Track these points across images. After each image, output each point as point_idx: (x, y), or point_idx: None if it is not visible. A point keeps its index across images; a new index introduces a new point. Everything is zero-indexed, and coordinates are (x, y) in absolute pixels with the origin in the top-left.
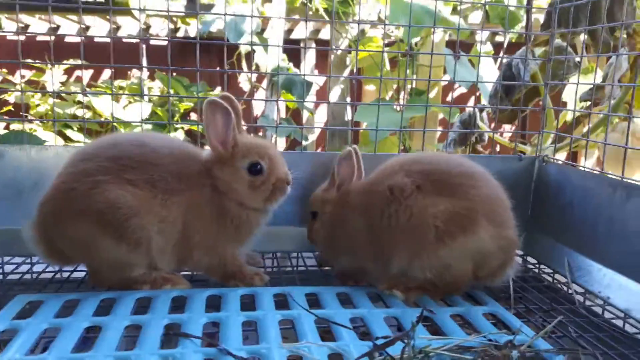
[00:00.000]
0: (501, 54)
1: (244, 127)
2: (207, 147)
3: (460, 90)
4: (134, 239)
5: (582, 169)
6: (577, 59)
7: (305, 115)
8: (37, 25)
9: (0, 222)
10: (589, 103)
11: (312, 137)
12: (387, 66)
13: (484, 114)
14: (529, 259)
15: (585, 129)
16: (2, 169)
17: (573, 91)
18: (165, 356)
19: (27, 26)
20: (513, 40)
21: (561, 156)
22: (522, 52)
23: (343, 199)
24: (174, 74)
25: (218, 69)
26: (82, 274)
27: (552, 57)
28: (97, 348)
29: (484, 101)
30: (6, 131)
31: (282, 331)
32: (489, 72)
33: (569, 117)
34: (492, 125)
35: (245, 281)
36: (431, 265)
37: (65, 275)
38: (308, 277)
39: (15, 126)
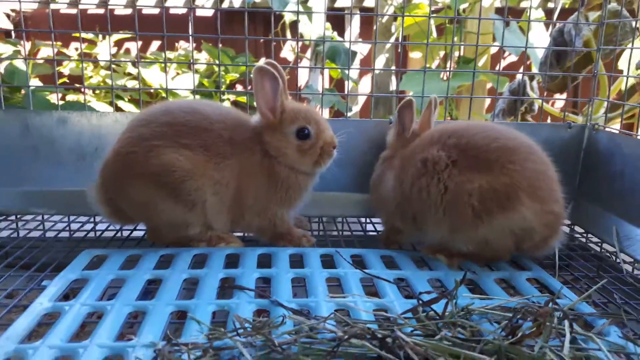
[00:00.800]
0: (553, 19)
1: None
2: (256, 114)
3: (510, 58)
4: (189, 200)
5: (633, 137)
6: (634, 24)
7: (349, 85)
8: None
9: (65, 184)
10: None
11: (356, 108)
12: (434, 34)
13: (534, 83)
14: (576, 228)
15: None
16: (65, 134)
17: (629, 58)
18: (222, 306)
19: None
20: (566, 6)
21: (614, 126)
22: (575, 17)
23: (392, 151)
24: (220, 45)
25: (266, 37)
26: (142, 233)
27: (605, 21)
28: (158, 297)
29: (535, 70)
30: (62, 102)
31: (329, 288)
32: (540, 39)
33: (623, 85)
34: (544, 95)
35: (294, 242)
36: (470, 240)
37: (126, 233)
38: (353, 241)
39: (70, 97)
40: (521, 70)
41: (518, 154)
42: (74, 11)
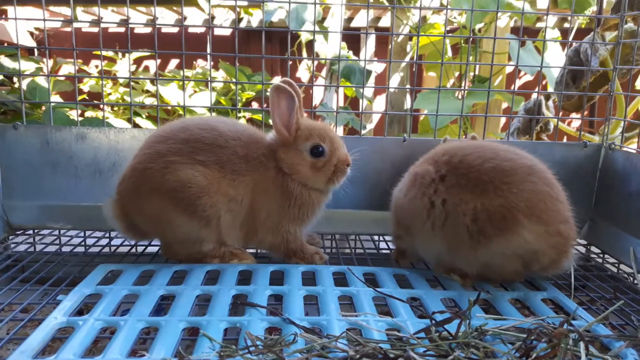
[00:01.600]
0: (569, 39)
1: (305, 113)
2: (271, 132)
3: (525, 78)
4: (204, 216)
5: None
6: None
7: (364, 103)
8: (108, 17)
9: (82, 199)
10: None
11: (370, 126)
12: (449, 53)
13: (550, 103)
14: (593, 248)
15: None
16: (83, 149)
17: None
18: (234, 323)
19: (100, 18)
20: (582, 26)
21: (631, 146)
22: (591, 37)
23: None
24: (237, 64)
25: (283, 56)
26: (155, 249)
27: (622, 41)
28: (171, 313)
29: (550, 89)
30: (81, 119)
31: (341, 307)
32: (556, 58)
33: None
34: (559, 114)
35: (306, 259)
36: (472, 263)
37: (140, 249)
38: (365, 259)
39: (89, 114)
40: (537, 89)
41: (514, 175)
42: (94, 30)
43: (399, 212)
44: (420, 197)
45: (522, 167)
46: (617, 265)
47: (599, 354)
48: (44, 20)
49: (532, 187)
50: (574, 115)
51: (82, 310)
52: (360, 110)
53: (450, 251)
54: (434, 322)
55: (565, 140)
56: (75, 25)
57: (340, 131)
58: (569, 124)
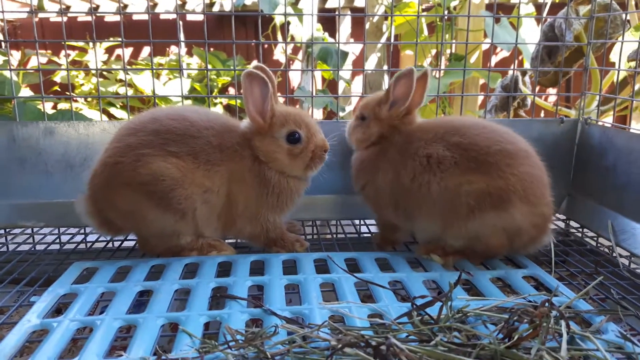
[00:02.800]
0: (543, 14)
1: (281, 99)
2: (245, 119)
3: (502, 54)
4: (179, 208)
5: (626, 130)
6: (624, 16)
7: (342, 85)
8: (77, 6)
9: (54, 196)
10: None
11: (349, 108)
12: (425, 32)
13: (527, 78)
14: (572, 222)
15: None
16: (53, 145)
17: (620, 51)
18: (214, 316)
19: (68, 7)
20: (557, 1)
21: (607, 119)
22: (565, 11)
23: (390, 129)
24: (211, 49)
25: (254, 41)
26: (132, 243)
27: (595, 15)
28: (149, 310)
29: (527, 65)
30: (54, 111)
31: (323, 294)
32: (531, 34)
33: (615, 78)
34: (536, 90)
35: (287, 247)
36: (462, 235)
37: (117, 244)
38: (347, 244)
39: (62, 105)
40: (513, 66)
41: (515, 158)
42: (65, 18)
43: (401, 196)
44: (438, 182)
45: (521, 151)
46: (595, 239)
47: (580, 331)
48: (2, 12)
49: (529, 170)
50: (550, 90)
51: (60, 309)
52: (338, 93)
53: (444, 227)
54: (415, 306)
55: (542, 115)
56: (43, 15)
57: (319, 114)
58: (545, 99)
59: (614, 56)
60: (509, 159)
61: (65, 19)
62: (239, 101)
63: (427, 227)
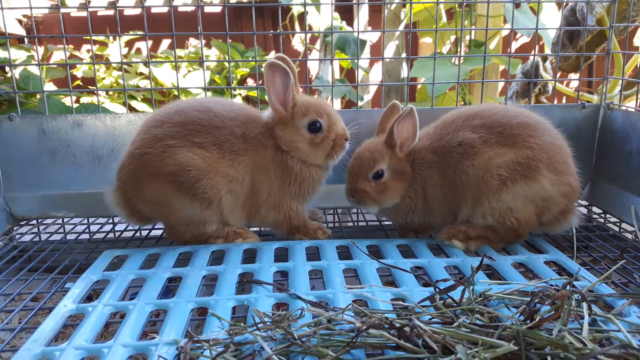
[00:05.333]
0: None
1: (300, 89)
2: (267, 109)
3: (522, 40)
4: (205, 198)
5: None
6: None
7: (360, 74)
8: (96, 0)
9: (83, 187)
10: None
11: (367, 97)
12: (444, 18)
13: (547, 64)
14: (594, 208)
15: None
16: (81, 137)
17: None
18: (241, 300)
19: (88, 2)
20: None
21: (630, 104)
22: None
23: (414, 158)
24: (230, 41)
25: (273, 31)
26: (160, 232)
27: None
28: (179, 295)
29: (547, 51)
30: (77, 105)
31: (346, 280)
32: (552, 19)
33: (639, 63)
34: (557, 75)
35: (309, 235)
36: (493, 210)
37: (145, 233)
38: (368, 231)
39: (84, 100)
40: (533, 51)
41: (536, 130)
42: (84, 14)
43: (444, 195)
44: (472, 165)
45: (539, 122)
46: (618, 224)
47: (602, 313)
48: (31, 7)
49: (550, 140)
50: (571, 75)
51: (92, 296)
52: (357, 82)
53: (474, 204)
54: (437, 290)
55: (564, 101)
56: (64, 10)
57: (337, 104)
58: (567, 85)
59: (636, 40)
60: (530, 130)
61: (88, 14)
62: (258, 92)
63: (464, 212)
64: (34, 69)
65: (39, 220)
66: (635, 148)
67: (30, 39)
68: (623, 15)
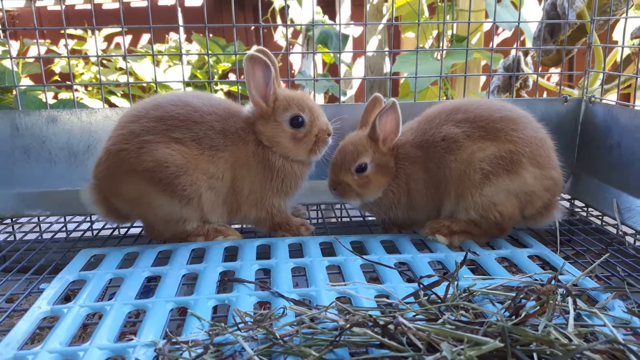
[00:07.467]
0: None
1: (282, 83)
2: (248, 104)
3: (504, 34)
4: (185, 195)
5: (630, 108)
6: None
7: (343, 69)
8: None
9: (59, 184)
10: (639, 40)
11: (351, 92)
12: (426, 13)
13: (529, 58)
14: (577, 202)
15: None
16: (56, 133)
17: (623, 28)
18: (222, 300)
19: None
20: None
21: (611, 97)
22: None
23: (397, 152)
24: (210, 35)
25: (254, 24)
26: (139, 230)
27: None
28: (158, 294)
29: (529, 45)
30: (54, 101)
31: (329, 277)
32: (533, 13)
33: (618, 56)
34: (539, 69)
35: (292, 231)
36: (476, 205)
37: (123, 231)
38: (352, 227)
39: (62, 95)
40: (515, 45)
41: (518, 123)
42: (63, 6)
43: (428, 190)
44: (455, 159)
45: (522, 116)
46: (600, 217)
47: (587, 308)
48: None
49: (533, 133)
50: (553, 70)
51: (69, 296)
52: (339, 77)
53: (457, 200)
54: (421, 286)
55: (545, 95)
56: (40, 3)
57: (320, 99)
58: (548, 79)
59: (616, 34)
60: (513, 124)
61: (62, 7)
62: (240, 87)
63: (447, 207)
64: (9, 64)
65: (14, 219)
66: (617, 141)
67: (4, 32)
68: (603, 9)
